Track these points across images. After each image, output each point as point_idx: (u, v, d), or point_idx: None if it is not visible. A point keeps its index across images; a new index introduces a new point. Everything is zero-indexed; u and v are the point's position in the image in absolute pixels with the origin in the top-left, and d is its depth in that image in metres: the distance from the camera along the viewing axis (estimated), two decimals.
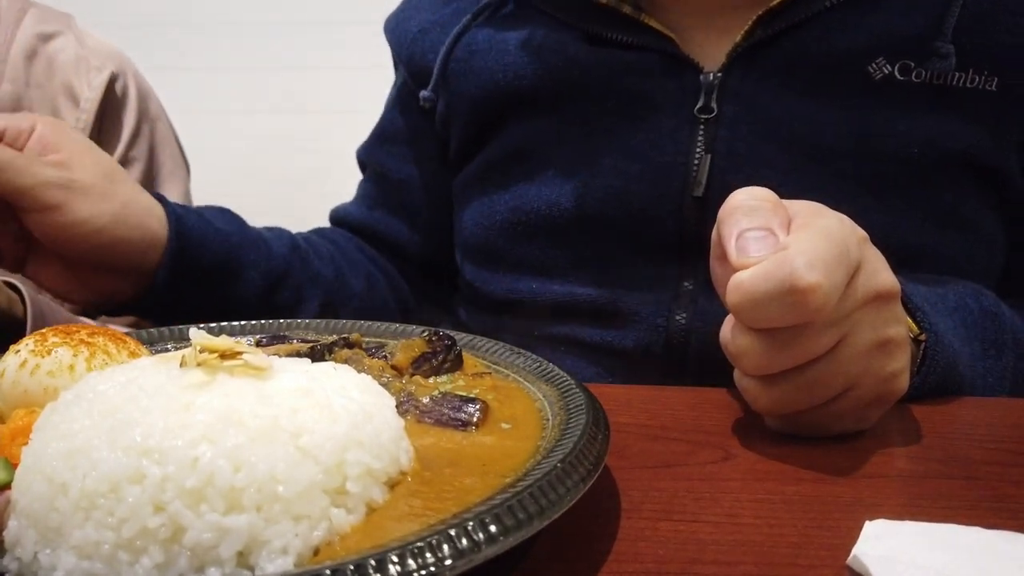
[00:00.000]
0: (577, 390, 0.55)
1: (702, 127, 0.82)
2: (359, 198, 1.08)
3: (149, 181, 1.21)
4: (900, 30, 0.78)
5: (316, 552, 0.39)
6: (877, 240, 0.58)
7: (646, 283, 0.84)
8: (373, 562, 0.35)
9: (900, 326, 0.58)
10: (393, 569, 0.35)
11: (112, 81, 1.17)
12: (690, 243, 0.82)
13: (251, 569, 0.38)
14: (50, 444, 0.41)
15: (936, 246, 0.78)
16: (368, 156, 1.07)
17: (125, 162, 1.18)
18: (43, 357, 0.54)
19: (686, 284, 0.82)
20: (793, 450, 0.57)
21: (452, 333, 0.65)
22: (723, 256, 0.56)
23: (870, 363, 0.56)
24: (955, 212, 0.80)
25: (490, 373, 0.61)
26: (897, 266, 0.59)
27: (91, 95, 1.15)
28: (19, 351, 0.55)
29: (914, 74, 0.78)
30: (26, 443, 0.43)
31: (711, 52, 0.83)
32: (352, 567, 0.35)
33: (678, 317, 0.82)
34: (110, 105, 1.18)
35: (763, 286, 0.51)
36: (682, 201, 0.82)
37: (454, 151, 0.97)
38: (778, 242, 0.53)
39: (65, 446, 0.40)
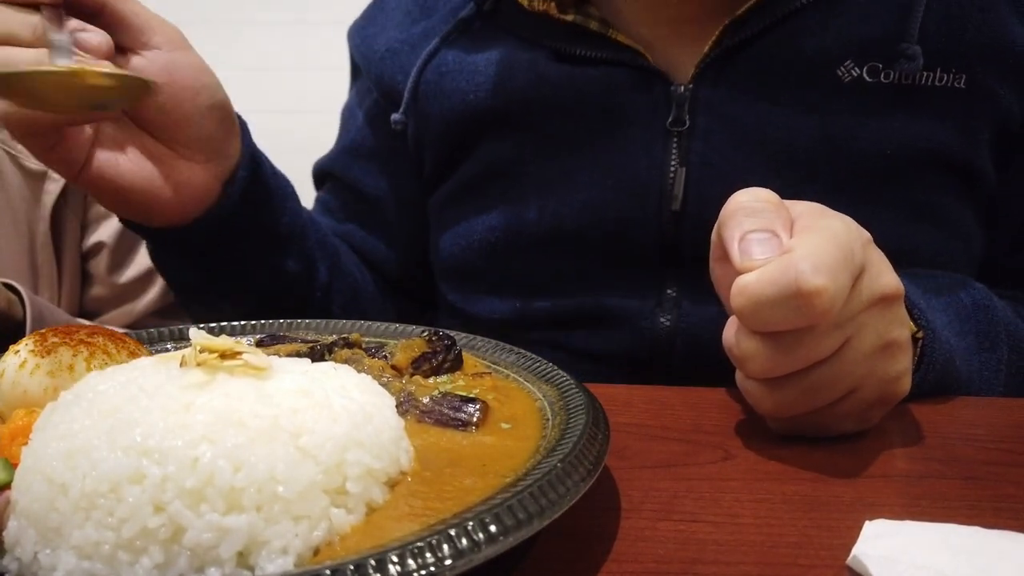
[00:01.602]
0: (577, 390, 0.55)
1: (675, 140, 0.81)
2: (323, 211, 1.05)
3: None
4: (866, 33, 0.78)
5: (316, 552, 0.39)
6: None
7: (629, 291, 0.84)
8: (373, 562, 0.35)
9: (904, 328, 0.58)
10: (393, 569, 0.35)
11: None
12: (671, 253, 0.82)
13: (251, 569, 0.38)
14: (50, 444, 0.41)
15: (915, 243, 0.79)
16: (337, 169, 1.03)
17: None
18: (43, 357, 0.54)
19: (669, 291, 0.83)
20: (793, 450, 0.57)
21: (452, 333, 0.65)
22: (723, 257, 0.55)
23: (874, 365, 0.56)
24: (931, 209, 0.80)
25: (490, 373, 0.61)
26: None
27: None
28: (19, 351, 0.55)
29: (882, 75, 0.78)
30: (26, 443, 0.43)
31: (681, 63, 0.82)
32: (352, 567, 0.35)
33: (662, 320, 0.82)
34: None
35: (768, 290, 0.51)
36: (660, 215, 0.81)
37: (428, 171, 0.96)
38: (782, 244, 0.52)
39: (65, 446, 0.40)
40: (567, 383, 0.57)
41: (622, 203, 0.82)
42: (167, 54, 0.72)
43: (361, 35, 1.00)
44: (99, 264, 1.15)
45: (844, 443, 0.58)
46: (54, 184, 1.10)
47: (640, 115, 0.83)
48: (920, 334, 0.64)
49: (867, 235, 0.57)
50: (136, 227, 0.82)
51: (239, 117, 0.81)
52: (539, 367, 0.61)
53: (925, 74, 0.78)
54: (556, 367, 0.60)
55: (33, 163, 1.09)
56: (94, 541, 0.38)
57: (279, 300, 0.88)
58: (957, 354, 0.68)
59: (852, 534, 0.45)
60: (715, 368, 0.61)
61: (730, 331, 0.56)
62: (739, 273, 0.53)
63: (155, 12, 0.73)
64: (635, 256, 0.83)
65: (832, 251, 0.51)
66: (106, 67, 0.65)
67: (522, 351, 0.64)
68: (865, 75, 0.78)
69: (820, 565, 0.44)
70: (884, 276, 0.56)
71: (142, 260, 1.15)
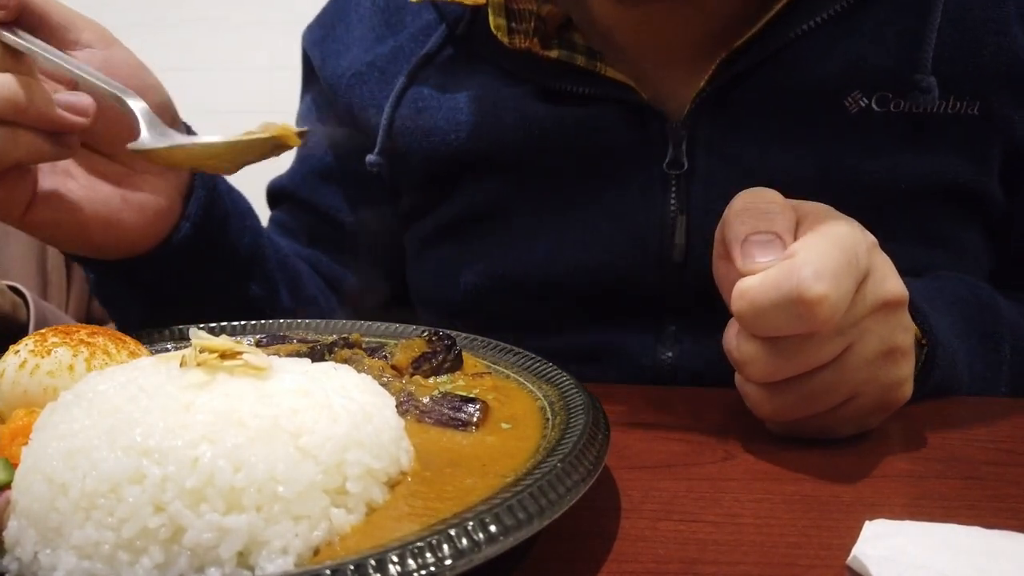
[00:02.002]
0: (577, 390, 0.55)
1: (674, 183, 0.76)
2: (280, 232, 0.97)
3: None
4: (874, 61, 0.73)
5: (316, 552, 0.39)
6: None
7: (627, 329, 0.80)
8: (373, 562, 0.35)
9: (907, 334, 0.57)
10: (393, 569, 0.35)
11: None
12: (673, 298, 0.78)
13: (251, 569, 0.38)
14: (50, 444, 0.41)
15: (925, 266, 0.76)
16: (302, 192, 0.96)
17: None
18: (43, 357, 0.54)
19: (671, 327, 0.79)
20: (793, 450, 0.57)
21: (452, 333, 0.65)
22: (726, 256, 0.55)
23: (876, 371, 0.55)
24: (942, 236, 0.77)
25: (490, 373, 0.61)
26: None
27: None
28: (19, 351, 0.55)
29: (892, 105, 0.74)
30: (26, 443, 0.43)
31: (675, 96, 0.77)
32: (352, 567, 0.35)
33: (663, 357, 0.79)
34: None
35: (769, 296, 0.51)
36: (661, 266, 0.77)
37: (405, 209, 0.90)
38: (785, 247, 0.52)
39: (65, 446, 0.40)
40: (567, 383, 0.57)
41: (620, 254, 0.78)
42: (102, 52, 0.66)
43: (321, 49, 0.92)
44: None
45: (844, 443, 0.58)
46: None
47: (635, 157, 0.77)
48: (924, 340, 0.64)
49: (872, 239, 0.56)
50: (87, 260, 0.74)
51: (184, 123, 0.75)
52: (539, 367, 0.61)
53: (938, 102, 0.73)
54: (556, 367, 0.60)
55: None
56: (94, 541, 0.38)
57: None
58: (960, 357, 0.68)
59: (852, 534, 0.45)
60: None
61: (731, 333, 0.56)
62: (741, 274, 0.52)
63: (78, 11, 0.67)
64: (634, 302, 0.79)
65: (836, 257, 0.51)
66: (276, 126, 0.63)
67: (522, 351, 0.64)
68: (874, 105, 0.74)
69: (820, 565, 0.44)
70: (888, 281, 0.55)
71: None
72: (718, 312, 0.58)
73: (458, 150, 0.82)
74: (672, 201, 0.76)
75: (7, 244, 1.11)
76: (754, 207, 0.54)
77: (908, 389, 0.58)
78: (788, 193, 0.56)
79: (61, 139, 0.62)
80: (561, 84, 0.78)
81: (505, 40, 0.78)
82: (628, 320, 0.80)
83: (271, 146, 0.63)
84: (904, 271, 0.57)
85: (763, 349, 0.53)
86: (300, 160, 0.98)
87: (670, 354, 0.79)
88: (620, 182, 0.78)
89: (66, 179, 0.67)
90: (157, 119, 0.63)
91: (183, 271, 0.76)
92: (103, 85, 0.63)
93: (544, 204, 0.81)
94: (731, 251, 0.53)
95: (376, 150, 0.85)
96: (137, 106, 0.62)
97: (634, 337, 0.80)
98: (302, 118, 0.98)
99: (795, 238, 0.53)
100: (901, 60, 0.73)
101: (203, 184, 0.75)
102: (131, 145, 0.62)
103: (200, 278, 0.78)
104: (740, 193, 0.56)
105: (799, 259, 0.51)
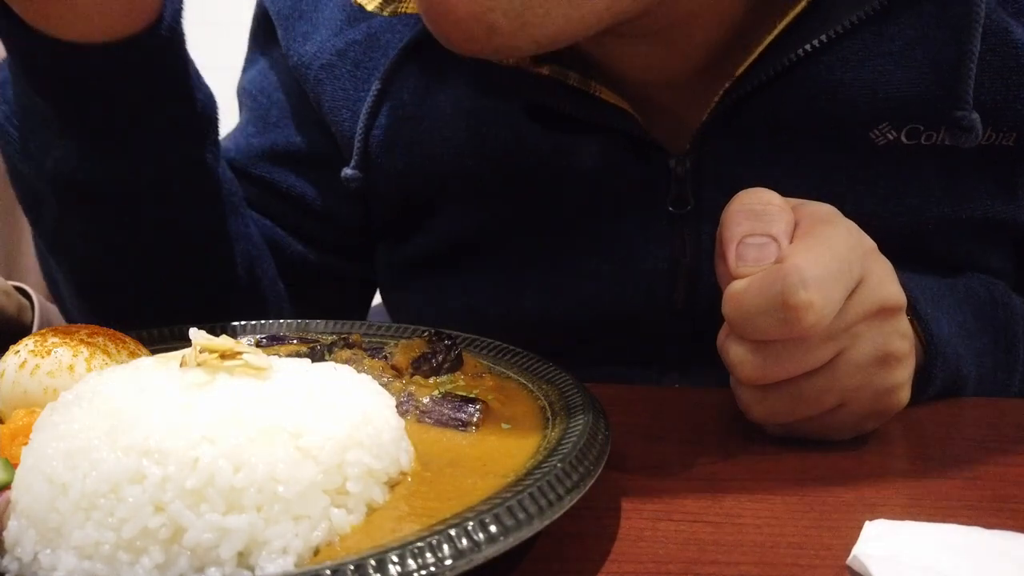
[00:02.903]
0: (577, 390, 0.55)
1: (687, 223, 0.71)
2: None
3: None
4: (905, 90, 0.66)
5: (316, 552, 0.39)
6: None
7: (630, 362, 0.76)
8: (373, 562, 0.35)
9: (904, 340, 0.56)
10: (393, 569, 0.35)
11: None
12: (680, 341, 0.74)
13: (251, 569, 0.38)
14: (50, 444, 0.41)
15: None
16: (257, 171, 0.84)
17: None
18: (43, 357, 0.54)
19: (672, 372, 0.76)
20: (793, 450, 0.57)
21: (452, 333, 0.65)
22: (724, 255, 0.55)
23: (869, 377, 0.55)
24: (967, 260, 0.73)
25: (490, 373, 0.61)
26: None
27: None
28: (19, 351, 0.55)
29: (923, 137, 0.66)
30: (26, 443, 0.43)
31: (677, 126, 0.70)
32: (352, 567, 0.35)
33: (667, 379, 0.76)
34: None
35: (756, 299, 0.50)
36: (669, 309, 0.73)
37: (377, 224, 0.82)
38: (779, 250, 0.52)
39: (65, 446, 0.40)
40: (567, 383, 0.57)
41: (623, 298, 0.73)
42: None
43: (286, 24, 0.81)
44: None
45: (844, 443, 0.58)
46: None
47: (635, 192, 0.72)
48: (925, 349, 0.62)
49: (871, 243, 0.56)
50: (33, 42, 0.60)
51: None
52: (539, 367, 0.61)
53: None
54: (556, 367, 0.60)
55: None
56: (94, 541, 0.38)
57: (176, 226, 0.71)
58: (966, 359, 0.66)
59: (852, 534, 0.45)
60: None
61: (723, 335, 0.56)
62: (734, 276, 0.52)
63: None
64: (636, 343, 0.75)
65: (826, 262, 0.50)
66: None
67: (522, 351, 0.64)
68: (904, 138, 0.67)
69: (820, 565, 0.44)
70: (885, 286, 0.55)
71: None
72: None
73: (442, 168, 0.76)
74: (679, 243, 0.71)
75: (19, 247, 1.11)
76: (751, 208, 0.54)
77: (904, 395, 0.57)
78: None
79: None
80: (553, 102, 0.71)
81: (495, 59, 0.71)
82: (628, 361, 0.77)
83: None
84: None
85: (752, 352, 0.53)
86: (252, 130, 0.85)
87: (675, 374, 0.77)
88: (618, 219, 0.73)
89: None
90: None
91: (143, 78, 0.65)
92: None
93: (535, 238, 0.76)
94: (725, 252, 0.53)
95: (352, 163, 0.77)
96: None
97: (636, 369, 0.76)
98: (262, 90, 0.85)
99: (790, 241, 0.53)
100: (936, 89, 0.65)
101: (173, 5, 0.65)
102: None
103: (157, 96, 0.67)
104: (738, 193, 0.56)
105: (788, 264, 0.50)
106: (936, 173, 0.68)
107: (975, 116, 0.64)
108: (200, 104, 0.70)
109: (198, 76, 0.71)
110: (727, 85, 0.67)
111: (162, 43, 0.65)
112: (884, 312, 0.55)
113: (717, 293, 0.54)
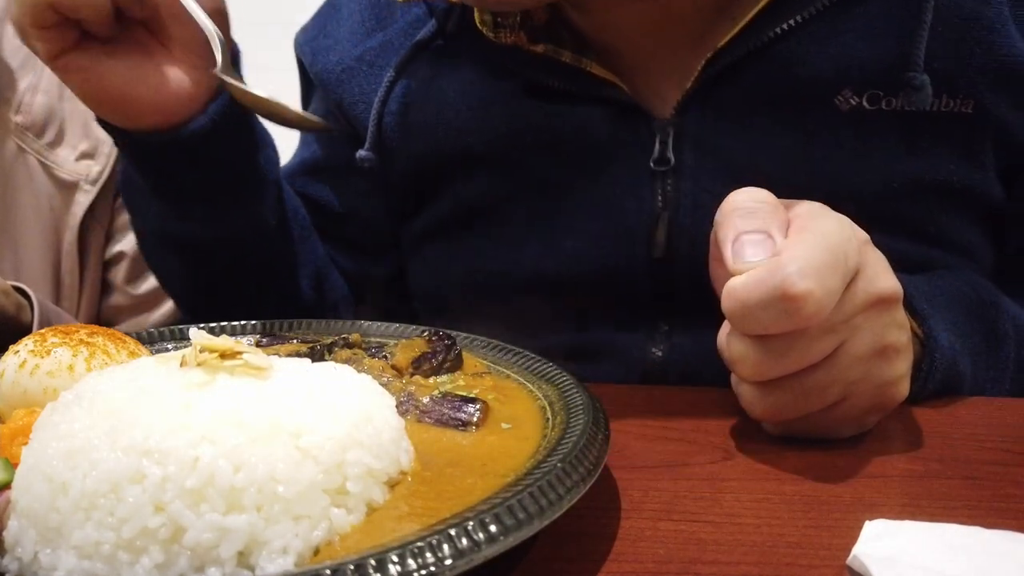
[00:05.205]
0: (577, 390, 0.55)
1: (661, 179, 0.76)
2: None
3: None
4: (865, 58, 0.72)
5: (316, 552, 0.39)
6: None
7: (618, 326, 0.80)
8: (373, 562, 0.35)
9: (901, 332, 0.57)
10: (393, 569, 0.35)
11: None
12: (664, 294, 0.78)
13: (251, 569, 0.38)
14: (50, 444, 0.41)
15: (923, 265, 0.75)
16: (295, 187, 0.95)
17: None
18: (43, 357, 0.54)
19: (662, 325, 0.79)
20: (793, 450, 0.57)
21: (452, 333, 0.65)
22: (720, 256, 0.55)
23: (869, 369, 0.55)
24: (938, 234, 0.77)
25: (490, 373, 0.61)
26: None
27: None
28: (19, 351, 0.55)
29: (884, 103, 0.72)
30: (26, 443, 0.43)
31: (663, 94, 0.77)
32: (352, 567, 0.35)
33: (654, 351, 0.79)
34: None
35: (755, 293, 0.51)
36: (650, 261, 0.77)
37: (395, 204, 0.91)
38: (775, 246, 0.52)
39: (65, 446, 0.40)
40: (567, 383, 0.57)
41: (609, 251, 0.78)
42: None
43: (312, 47, 0.92)
44: (118, 273, 1.15)
45: (844, 443, 0.58)
46: (84, 195, 1.10)
47: (623, 154, 0.77)
48: (924, 343, 0.63)
49: (864, 235, 0.56)
50: (115, 131, 0.77)
51: (234, 42, 0.78)
52: (539, 367, 0.61)
53: (931, 101, 0.72)
54: (556, 367, 0.60)
55: (65, 173, 1.09)
56: (94, 541, 0.38)
57: (255, 261, 0.85)
58: (962, 356, 0.67)
59: (852, 534, 0.45)
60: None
61: (723, 333, 0.56)
62: (731, 274, 0.53)
63: None
64: (624, 299, 0.79)
65: (822, 253, 0.51)
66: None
67: (522, 351, 0.64)
68: (865, 103, 0.73)
69: (820, 565, 0.44)
70: (881, 278, 0.55)
71: None
72: (711, 310, 0.57)
73: (447, 146, 0.82)
74: (659, 196, 0.76)
75: (22, 248, 1.11)
76: (745, 206, 0.54)
77: (904, 387, 0.58)
78: (777, 190, 0.56)
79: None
80: (549, 79, 0.78)
81: (491, 35, 0.78)
82: (620, 318, 0.80)
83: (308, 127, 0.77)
84: (901, 270, 0.57)
85: (753, 348, 0.53)
86: (297, 155, 1.00)
87: (660, 352, 0.79)
88: (609, 180, 0.78)
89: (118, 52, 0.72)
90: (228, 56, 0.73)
91: (195, 162, 0.77)
92: (200, 17, 0.71)
93: (533, 202, 0.81)
94: (722, 250, 0.53)
95: (366, 145, 0.84)
96: (221, 39, 0.72)
97: (625, 335, 0.80)
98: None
99: (786, 237, 0.53)
100: (893, 57, 0.72)
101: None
102: (216, 71, 0.72)
103: (216, 180, 0.80)
104: (732, 193, 0.56)
105: (784, 256, 0.51)
106: (900, 136, 0.74)
107: (925, 77, 0.70)
108: (261, 169, 0.83)
109: (263, 135, 0.84)
110: (709, 55, 0.73)
111: (205, 130, 0.76)
112: (882, 303, 0.55)
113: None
